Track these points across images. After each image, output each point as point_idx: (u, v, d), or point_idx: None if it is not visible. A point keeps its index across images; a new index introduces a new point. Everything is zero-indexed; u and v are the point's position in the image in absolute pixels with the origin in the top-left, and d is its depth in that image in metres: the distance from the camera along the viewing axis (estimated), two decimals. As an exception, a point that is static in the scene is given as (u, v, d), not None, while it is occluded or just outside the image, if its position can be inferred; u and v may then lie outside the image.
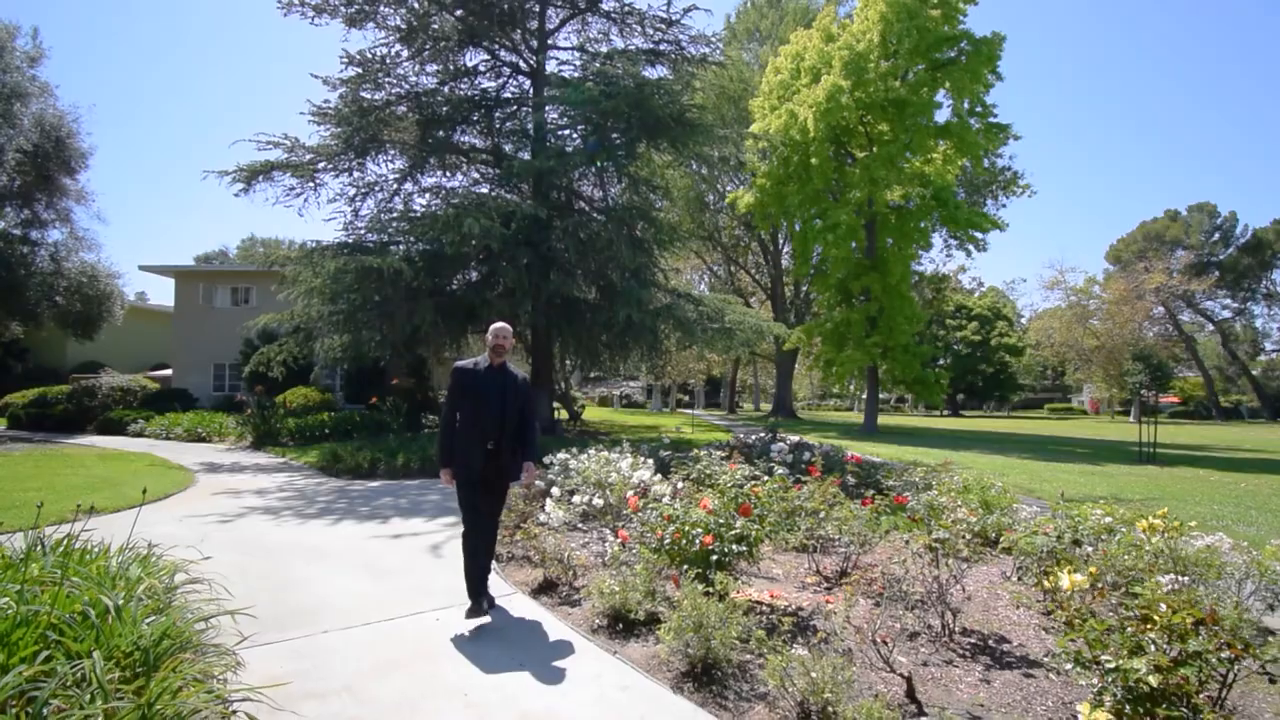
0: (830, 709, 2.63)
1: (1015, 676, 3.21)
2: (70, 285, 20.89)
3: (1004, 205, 33.46)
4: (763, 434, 11.12)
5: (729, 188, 32.18)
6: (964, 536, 3.76)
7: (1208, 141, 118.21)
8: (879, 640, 3.02)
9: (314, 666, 3.24)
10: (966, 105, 22.53)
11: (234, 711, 2.26)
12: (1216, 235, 54.40)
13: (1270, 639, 2.88)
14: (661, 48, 16.52)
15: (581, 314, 15.34)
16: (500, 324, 4.21)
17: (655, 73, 17.07)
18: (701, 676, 3.15)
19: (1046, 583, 3.21)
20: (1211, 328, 55.11)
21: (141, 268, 26.24)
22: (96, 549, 3.65)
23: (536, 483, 6.82)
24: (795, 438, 11.82)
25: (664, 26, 16.11)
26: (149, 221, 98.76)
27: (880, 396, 63.04)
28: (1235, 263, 52.56)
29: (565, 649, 3.59)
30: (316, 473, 10.74)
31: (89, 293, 21.21)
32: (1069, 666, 2.50)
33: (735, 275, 38.46)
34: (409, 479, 9.99)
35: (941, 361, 53.81)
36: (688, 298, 17.70)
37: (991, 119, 22.82)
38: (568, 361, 20.27)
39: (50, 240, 21.70)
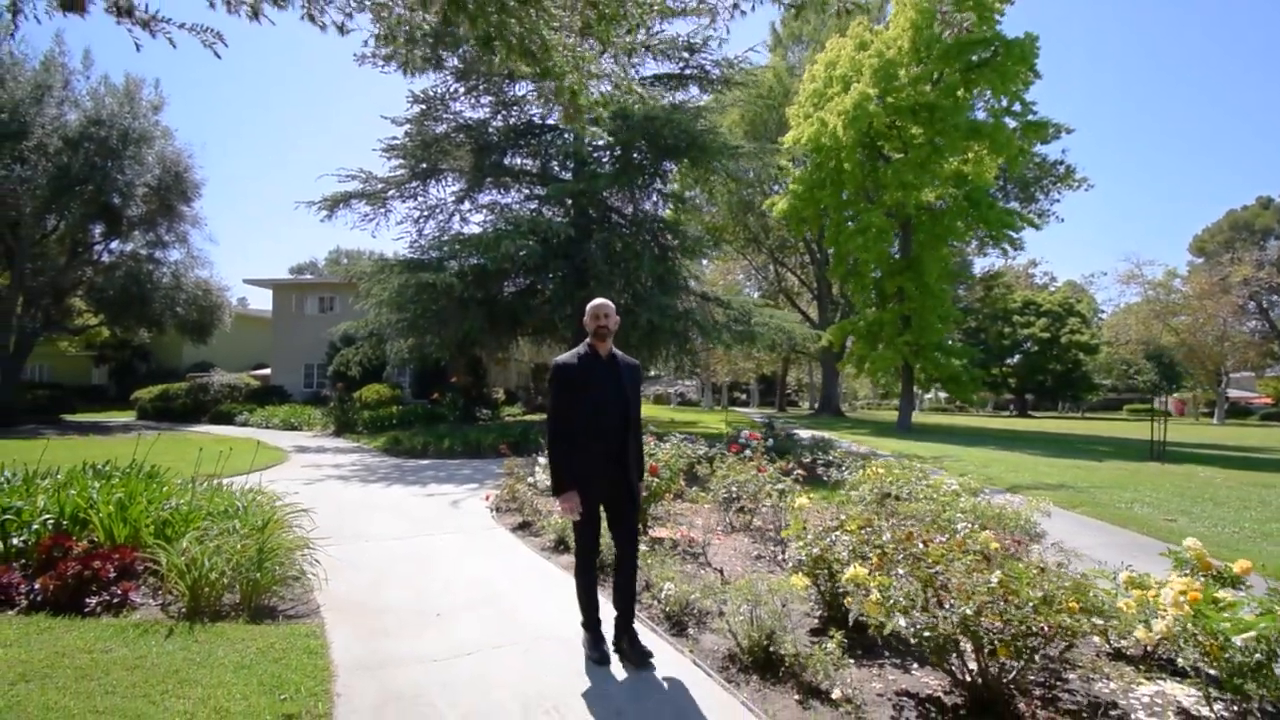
0: (656, 579, 4.22)
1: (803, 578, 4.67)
2: (188, 297, 24.52)
3: (1057, 200, 32.93)
4: (765, 426, 12.57)
5: (775, 189, 33.09)
6: (796, 490, 5.22)
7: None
8: (703, 548, 4.56)
9: (357, 558, 5.10)
10: (1004, 103, 22.76)
11: (306, 555, 4.08)
12: (1316, 223, 50.58)
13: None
14: (687, 71, 18.08)
15: (616, 318, 17.05)
16: (599, 300, 3.42)
17: (684, 95, 18.64)
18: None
19: (792, 505, 4.63)
20: (1311, 324, 51.15)
21: (246, 281, 30.11)
22: (226, 488, 5.67)
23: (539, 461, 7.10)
24: (789, 429, 13.17)
25: (688, 54, 17.64)
26: (249, 237, 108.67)
27: (942, 396, 61.36)
28: (1337, 253, 48.70)
29: (521, 556, 5.30)
30: (381, 454, 13.02)
31: (203, 304, 24.83)
32: (801, 557, 3.98)
33: (782, 276, 39.27)
34: (452, 459, 12.09)
35: (1010, 360, 52.30)
36: (716, 301, 19.13)
37: (1031, 116, 22.88)
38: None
39: (171, 259, 25.51)
